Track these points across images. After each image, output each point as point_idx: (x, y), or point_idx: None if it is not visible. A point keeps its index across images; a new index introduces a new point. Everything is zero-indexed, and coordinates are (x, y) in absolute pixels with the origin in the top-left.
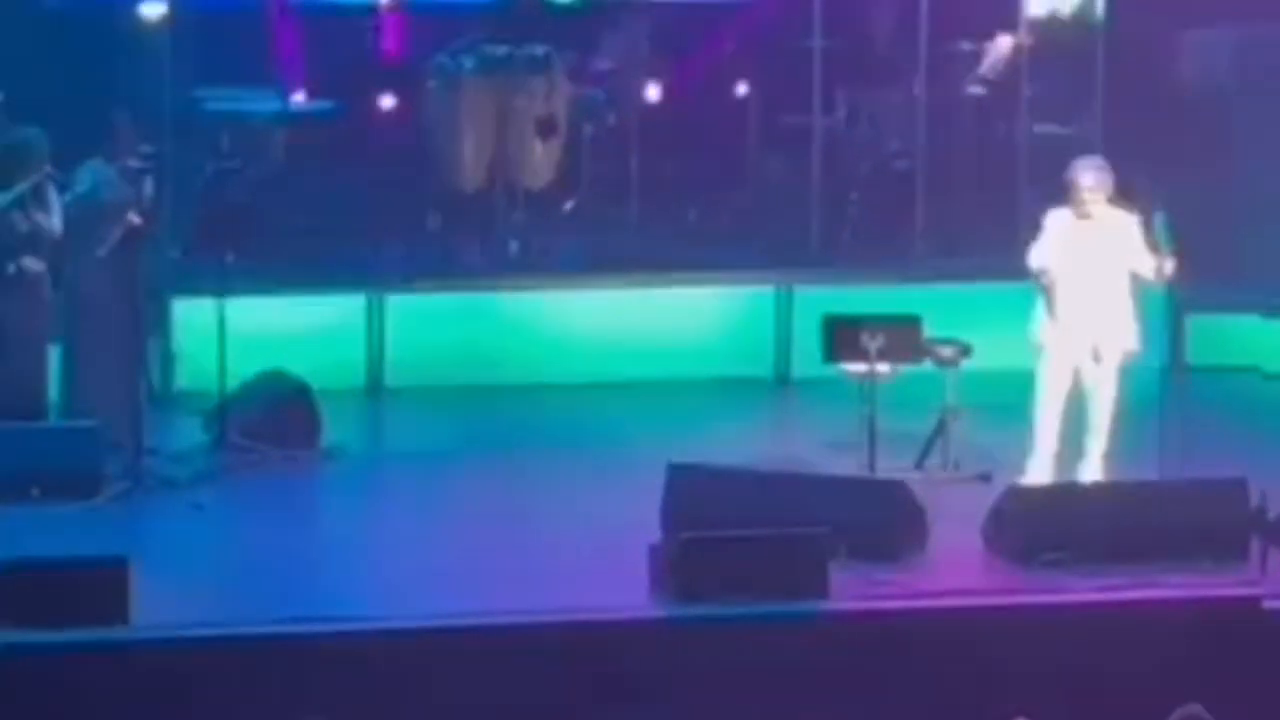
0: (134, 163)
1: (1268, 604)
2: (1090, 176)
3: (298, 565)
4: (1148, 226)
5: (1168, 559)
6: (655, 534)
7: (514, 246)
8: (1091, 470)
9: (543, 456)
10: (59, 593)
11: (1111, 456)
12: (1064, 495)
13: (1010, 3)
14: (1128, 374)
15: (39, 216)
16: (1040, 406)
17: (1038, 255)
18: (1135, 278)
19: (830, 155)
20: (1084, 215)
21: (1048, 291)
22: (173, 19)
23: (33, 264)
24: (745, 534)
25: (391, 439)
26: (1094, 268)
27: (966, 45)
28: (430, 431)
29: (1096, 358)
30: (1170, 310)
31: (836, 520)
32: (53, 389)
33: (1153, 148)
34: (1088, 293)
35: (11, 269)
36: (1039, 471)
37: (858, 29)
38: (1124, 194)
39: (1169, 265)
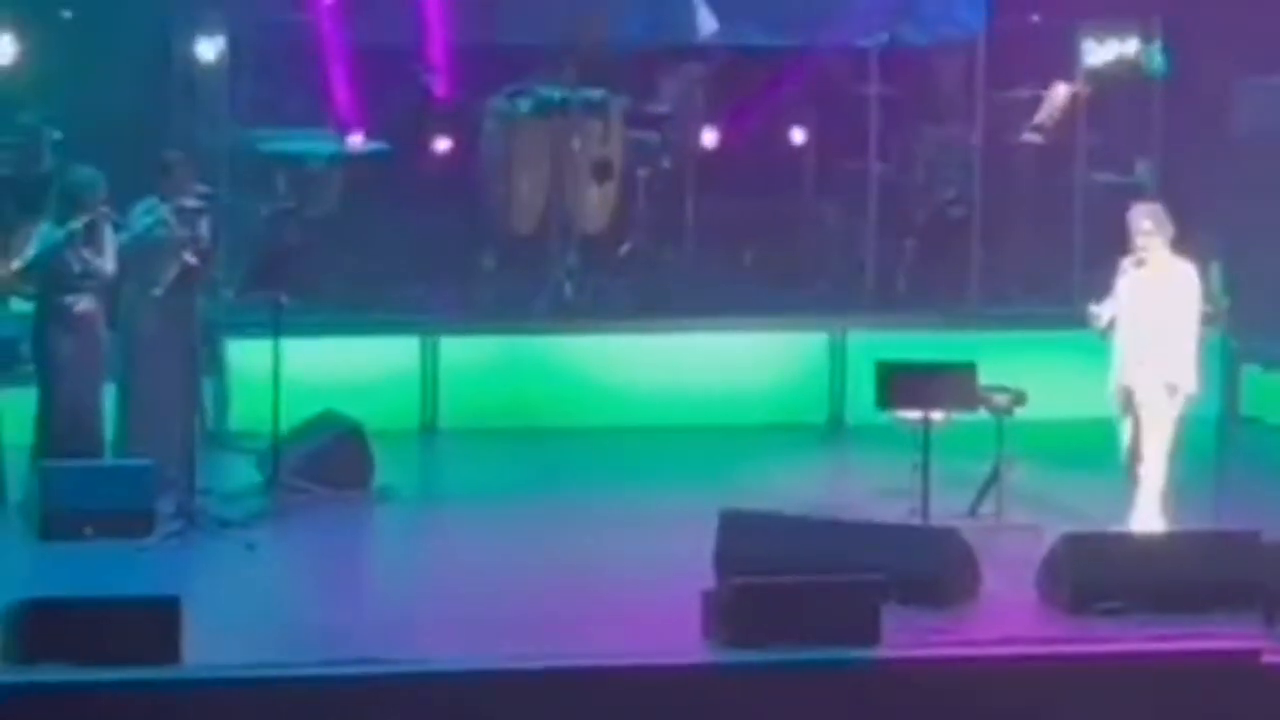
0: (190, 203)
1: (1267, 658)
2: (1145, 222)
3: (349, 606)
4: (1204, 276)
5: (1223, 609)
6: (708, 579)
7: (568, 289)
8: (1143, 514)
9: (595, 500)
10: (111, 631)
11: (1167, 503)
12: (1118, 544)
13: (1068, 51)
14: (1188, 422)
15: (89, 256)
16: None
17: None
18: (1197, 323)
19: (886, 202)
20: (1139, 261)
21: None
22: (230, 60)
23: (83, 303)
24: (798, 580)
25: (444, 481)
26: (1148, 312)
27: (1024, 93)
28: (483, 474)
29: (1148, 402)
30: (1225, 361)
31: (889, 567)
32: (108, 427)
33: (1211, 196)
34: (1141, 337)
35: (62, 305)
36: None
37: (915, 76)
38: (1182, 242)
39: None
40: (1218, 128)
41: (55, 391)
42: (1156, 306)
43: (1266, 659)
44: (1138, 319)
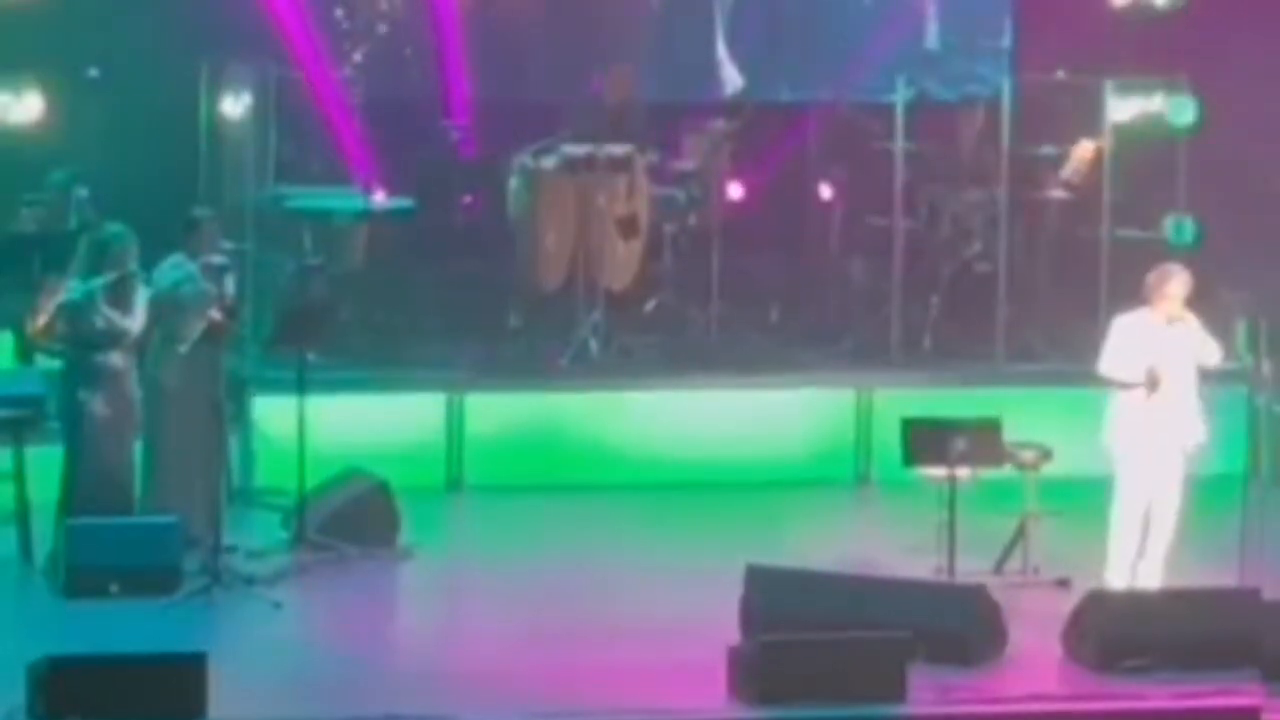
0: (216, 259)
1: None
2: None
3: (375, 664)
4: (1230, 331)
5: (1251, 666)
6: (734, 636)
7: (594, 346)
8: (1152, 570)
9: (621, 556)
10: (137, 688)
11: (1174, 557)
12: (1144, 602)
13: (1093, 107)
14: (1219, 481)
15: (113, 313)
16: (1122, 512)
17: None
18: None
19: (911, 258)
20: (1170, 321)
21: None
22: (256, 117)
23: (112, 360)
24: (824, 637)
25: (470, 538)
26: (1178, 371)
27: (1049, 149)
28: (508, 531)
29: (1175, 459)
30: (1250, 418)
31: (915, 624)
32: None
33: (1236, 252)
34: (1174, 397)
35: (90, 362)
36: (1120, 579)
37: (941, 132)
38: (1208, 299)
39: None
40: (1246, 182)
41: (84, 449)
42: (1185, 365)
43: (1266, 718)
44: (1170, 379)
